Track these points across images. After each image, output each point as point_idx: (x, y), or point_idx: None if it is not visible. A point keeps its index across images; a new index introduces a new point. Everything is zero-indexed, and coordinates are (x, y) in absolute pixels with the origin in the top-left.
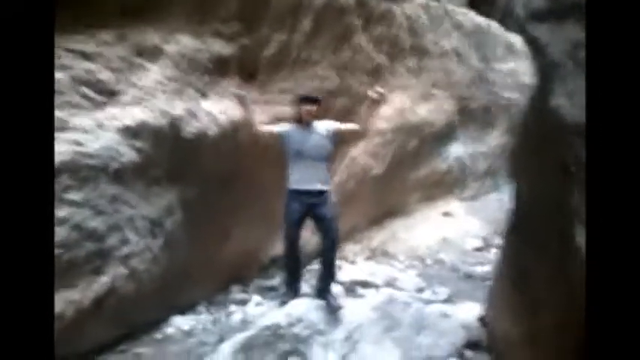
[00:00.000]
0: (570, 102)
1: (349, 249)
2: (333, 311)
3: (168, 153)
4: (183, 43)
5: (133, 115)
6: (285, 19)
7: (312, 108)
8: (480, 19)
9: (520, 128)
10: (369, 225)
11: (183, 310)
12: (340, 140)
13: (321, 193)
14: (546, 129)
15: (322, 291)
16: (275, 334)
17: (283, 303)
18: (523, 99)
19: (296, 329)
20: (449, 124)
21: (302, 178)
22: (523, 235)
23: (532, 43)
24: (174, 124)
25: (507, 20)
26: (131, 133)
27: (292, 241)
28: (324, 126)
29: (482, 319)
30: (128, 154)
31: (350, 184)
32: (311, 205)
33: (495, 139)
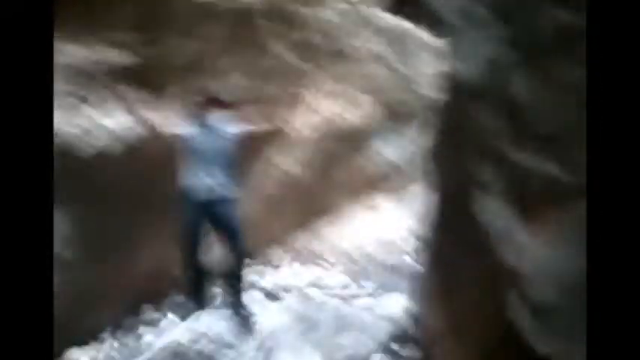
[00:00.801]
0: (465, 63)
1: (273, 253)
2: (243, 322)
3: (59, 173)
4: (73, 53)
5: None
6: (195, 27)
7: (221, 110)
8: (404, 23)
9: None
10: (294, 228)
11: (83, 342)
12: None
13: (221, 198)
14: (450, 101)
15: (234, 303)
16: (174, 353)
17: (184, 317)
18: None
19: (199, 345)
20: (377, 128)
21: (199, 182)
22: (444, 225)
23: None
24: (68, 143)
25: (435, 25)
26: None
27: (190, 249)
28: (228, 126)
29: (408, 311)
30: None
31: (272, 189)
32: (210, 210)
33: (422, 138)
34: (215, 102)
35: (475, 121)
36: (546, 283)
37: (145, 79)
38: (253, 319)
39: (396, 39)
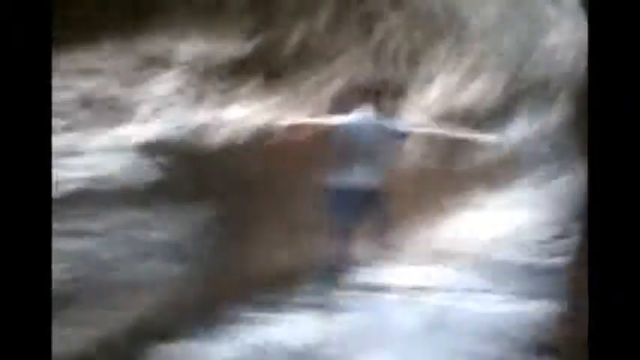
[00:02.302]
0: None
1: (407, 250)
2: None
3: (193, 167)
4: (196, 45)
5: (150, 129)
6: (304, 4)
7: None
8: None
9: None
10: (427, 224)
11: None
12: None
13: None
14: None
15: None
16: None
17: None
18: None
19: (327, 351)
20: (502, 105)
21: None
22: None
23: None
24: (197, 135)
25: None
26: (151, 149)
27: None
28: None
29: (557, 318)
30: (150, 173)
31: (403, 183)
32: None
33: (558, 115)
34: (363, 91)
35: None
36: None
37: (259, 68)
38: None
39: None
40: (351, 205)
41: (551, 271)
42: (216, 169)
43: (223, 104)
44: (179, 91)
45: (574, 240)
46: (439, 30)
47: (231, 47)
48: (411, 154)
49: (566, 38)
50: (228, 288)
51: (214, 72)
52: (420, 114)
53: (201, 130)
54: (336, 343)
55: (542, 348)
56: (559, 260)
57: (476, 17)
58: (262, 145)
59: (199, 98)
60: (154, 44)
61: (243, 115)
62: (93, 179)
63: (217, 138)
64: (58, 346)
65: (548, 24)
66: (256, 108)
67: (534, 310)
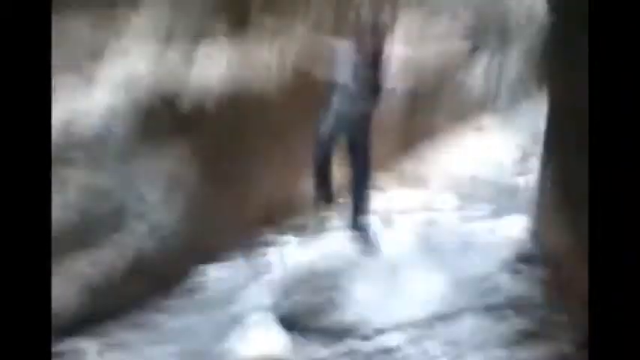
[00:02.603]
0: None
1: (380, 177)
2: (368, 242)
3: (175, 102)
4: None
5: (130, 67)
6: None
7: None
8: None
9: (547, 25)
10: (399, 150)
11: (215, 260)
12: None
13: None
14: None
15: (355, 222)
16: (310, 270)
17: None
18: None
19: (331, 264)
20: (470, 38)
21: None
22: (562, 141)
23: None
24: (176, 73)
25: None
26: (131, 85)
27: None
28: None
29: (530, 231)
30: (132, 109)
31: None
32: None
33: (521, 43)
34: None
35: None
36: None
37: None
38: (377, 238)
39: None
40: (337, 131)
41: (516, 188)
42: (197, 104)
43: (193, 46)
44: (154, 28)
45: (534, 161)
46: None
47: None
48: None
49: None
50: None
51: (188, 11)
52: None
53: (173, 69)
54: (335, 258)
55: (517, 257)
56: (522, 179)
57: None
58: (235, 88)
59: (175, 37)
60: None
61: (214, 58)
62: (75, 116)
63: (196, 76)
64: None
65: None
66: (225, 51)
67: (505, 224)
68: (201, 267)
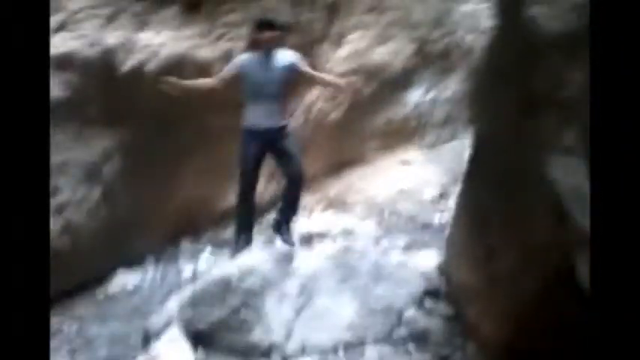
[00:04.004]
0: (548, 9)
1: (305, 200)
2: (287, 243)
3: (102, 89)
4: None
5: (58, 43)
6: None
7: (273, 35)
8: None
9: (481, 65)
10: (326, 175)
11: (129, 264)
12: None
13: (281, 128)
14: (514, 50)
15: (280, 224)
16: (225, 287)
17: (234, 254)
18: (484, 43)
19: (247, 282)
20: (407, 68)
21: (259, 114)
22: (481, 180)
23: None
24: (108, 56)
25: None
26: (57, 63)
27: (248, 184)
28: (287, 57)
29: (440, 268)
30: (55, 89)
31: (306, 130)
32: (270, 142)
33: (455, 84)
34: (267, 26)
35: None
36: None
37: None
38: (295, 251)
39: None
40: (257, 145)
41: (433, 225)
42: (125, 93)
43: (137, 28)
44: (92, 6)
45: (452, 200)
46: None
47: None
48: (315, 103)
49: (469, 16)
50: (140, 219)
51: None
52: (330, 64)
53: (112, 50)
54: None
55: (425, 292)
56: (439, 217)
57: None
58: (176, 75)
59: (113, 18)
60: None
61: (157, 42)
62: None
63: (128, 62)
64: None
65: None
66: (170, 36)
67: (418, 258)
68: (112, 271)
